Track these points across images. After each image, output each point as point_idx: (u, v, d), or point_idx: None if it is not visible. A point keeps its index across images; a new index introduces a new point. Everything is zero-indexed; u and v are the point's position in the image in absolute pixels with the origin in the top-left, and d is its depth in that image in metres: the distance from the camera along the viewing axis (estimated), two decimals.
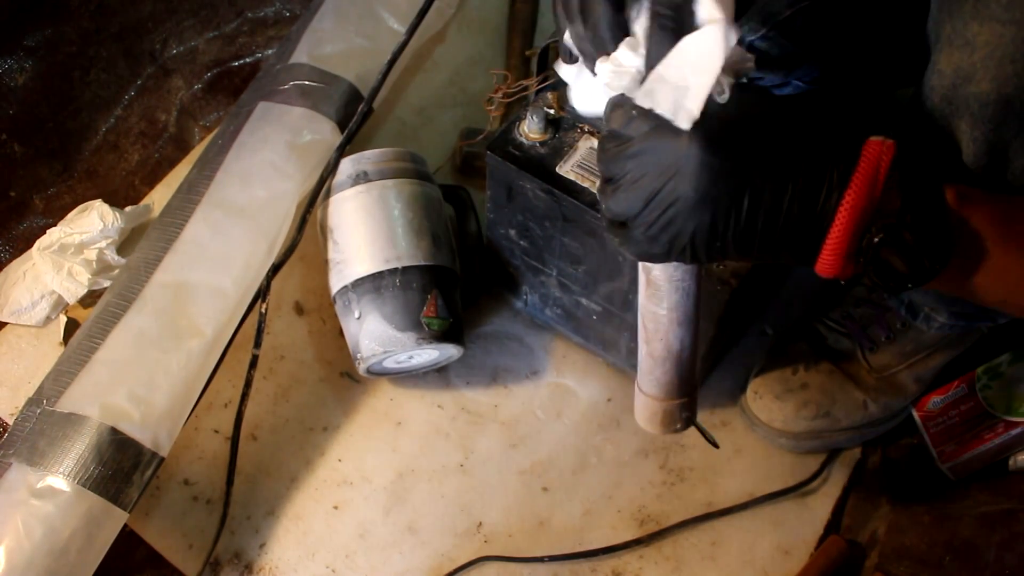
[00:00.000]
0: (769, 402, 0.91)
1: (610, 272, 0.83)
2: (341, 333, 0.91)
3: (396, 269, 0.87)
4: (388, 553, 0.87)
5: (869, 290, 0.95)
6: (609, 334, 0.92)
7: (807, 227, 0.49)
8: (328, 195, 0.91)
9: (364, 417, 0.94)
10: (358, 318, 0.87)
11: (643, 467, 0.93)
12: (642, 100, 0.50)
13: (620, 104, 0.51)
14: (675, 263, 0.54)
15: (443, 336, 0.88)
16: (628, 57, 0.50)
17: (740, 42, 0.83)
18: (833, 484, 0.92)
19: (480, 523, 0.89)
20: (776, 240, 0.50)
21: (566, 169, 0.80)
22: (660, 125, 0.48)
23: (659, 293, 0.57)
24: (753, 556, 0.88)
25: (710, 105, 0.48)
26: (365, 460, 0.92)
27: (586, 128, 0.82)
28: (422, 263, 0.88)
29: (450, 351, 0.92)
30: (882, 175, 0.48)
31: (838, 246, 0.49)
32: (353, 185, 0.90)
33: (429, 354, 0.91)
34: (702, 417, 0.67)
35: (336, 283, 0.89)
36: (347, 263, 0.88)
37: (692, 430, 0.66)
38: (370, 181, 0.90)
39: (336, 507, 0.89)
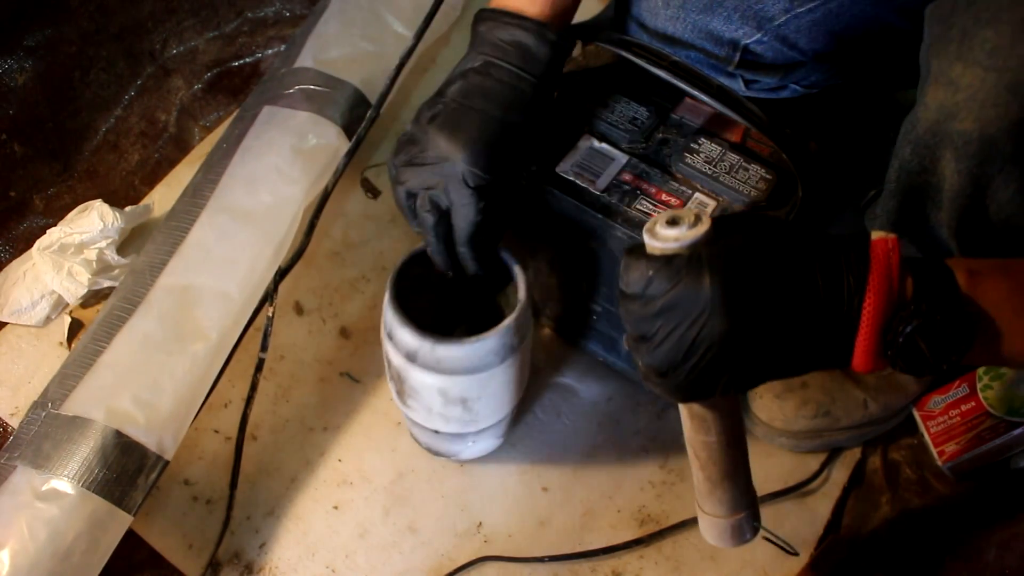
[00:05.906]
0: (769, 401, 0.91)
1: (610, 273, 0.84)
2: (341, 333, 0.91)
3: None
4: (388, 553, 0.87)
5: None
6: (609, 334, 0.93)
7: (836, 334, 0.52)
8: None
9: (364, 417, 0.94)
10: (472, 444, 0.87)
11: (643, 467, 0.93)
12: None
13: (633, 267, 0.52)
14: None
15: None
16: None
17: (736, 46, 0.84)
18: (833, 484, 0.92)
19: (480, 523, 0.89)
20: (811, 352, 0.52)
21: (566, 169, 0.80)
22: (680, 281, 0.50)
23: (705, 424, 0.58)
24: (753, 556, 0.88)
25: (714, 246, 0.51)
26: (365, 460, 0.92)
27: (586, 128, 0.82)
28: None
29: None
30: (895, 272, 0.51)
31: (868, 346, 0.52)
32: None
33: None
34: None
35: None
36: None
37: None
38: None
39: (336, 507, 0.89)
